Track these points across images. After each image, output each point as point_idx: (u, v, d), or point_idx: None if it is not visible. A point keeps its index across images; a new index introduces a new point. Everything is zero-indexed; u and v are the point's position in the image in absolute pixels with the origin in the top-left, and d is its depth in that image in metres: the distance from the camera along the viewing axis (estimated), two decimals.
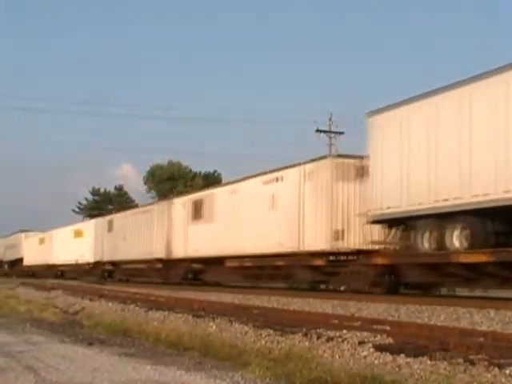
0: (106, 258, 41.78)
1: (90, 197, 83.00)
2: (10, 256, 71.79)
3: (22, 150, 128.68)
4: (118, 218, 41.72)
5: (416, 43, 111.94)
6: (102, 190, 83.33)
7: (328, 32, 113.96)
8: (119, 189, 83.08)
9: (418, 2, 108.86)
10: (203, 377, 6.94)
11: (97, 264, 43.38)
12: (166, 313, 13.97)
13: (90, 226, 47.37)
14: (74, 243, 48.63)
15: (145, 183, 74.80)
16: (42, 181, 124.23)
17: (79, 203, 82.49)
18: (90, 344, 9.81)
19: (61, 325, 13.20)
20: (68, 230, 52.26)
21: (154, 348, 9.53)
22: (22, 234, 67.60)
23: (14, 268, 68.87)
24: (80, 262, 46.37)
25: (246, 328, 10.65)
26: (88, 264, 44.82)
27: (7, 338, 10.65)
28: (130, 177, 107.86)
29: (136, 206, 60.22)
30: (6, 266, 74.51)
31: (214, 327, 11.29)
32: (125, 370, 7.33)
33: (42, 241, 59.40)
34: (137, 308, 15.84)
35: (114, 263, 41.13)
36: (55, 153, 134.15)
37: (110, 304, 17.71)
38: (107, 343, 10.07)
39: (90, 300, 19.64)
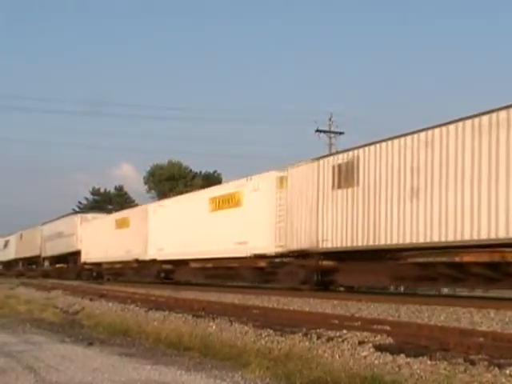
0: (334, 242, 19.37)
1: (90, 197, 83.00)
2: (54, 249, 49.05)
3: (22, 150, 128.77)
4: (373, 152, 18.02)
5: (416, 43, 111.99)
6: (102, 190, 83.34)
7: (328, 32, 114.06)
8: (119, 189, 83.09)
9: (419, 2, 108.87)
10: (203, 377, 6.94)
11: (289, 257, 21.64)
12: (166, 313, 13.97)
13: (262, 183, 23.14)
14: (213, 221, 26.15)
15: (145, 183, 74.74)
16: (41, 181, 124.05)
17: (79, 203, 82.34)
18: (90, 344, 9.82)
19: (61, 325, 13.22)
20: (194, 199, 29.34)
21: (154, 348, 9.54)
22: (77, 217, 46.49)
23: (59, 266, 48.31)
24: (236, 254, 23.86)
25: (246, 328, 10.65)
26: (260, 257, 22.72)
27: (7, 338, 10.66)
28: (130, 177, 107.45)
29: (136, 205, 57.56)
30: (45, 264, 52.84)
31: (214, 327, 11.28)
32: (125, 370, 7.34)
33: (122, 223, 36.92)
34: (137, 308, 15.83)
35: (347, 253, 19.20)
36: (55, 153, 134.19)
37: (110, 304, 17.70)
38: (107, 343, 10.08)
39: (90, 300, 19.63)
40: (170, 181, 69.17)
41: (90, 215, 46.36)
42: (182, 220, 28.73)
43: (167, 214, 30.99)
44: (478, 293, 17.70)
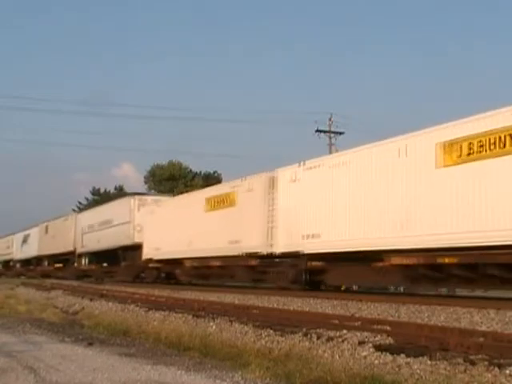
0: None
1: (90, 197, 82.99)
2: (97, 243, 38.27)
3: (22, 149, 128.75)
4: None
5: (416, 42, 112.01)
6: (102, 190, 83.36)
7: (328, 32, 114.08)
8: (119, 189, 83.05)
9: (419, 3, 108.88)
10: (203, 377, 6.94)
11: None
12: (166, 313, 13.97)
13: None
14: (450, 182, 14.69)
15: (145, 183, 74.74)
16: (41, 181, 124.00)
17: (79, 203, 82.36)
18: (90, 344, 9.82)
19: (61, 325, 13.22)
20: (391, 148, 16.69)
21: (154, 348, 9.53)
22: (133, 199, 34.60)
23: (101, 265, 38.73)
24: None
25: (246, 328, 10.65)
26: None
27: (7, 338, 10.66)
28: (130, 177, 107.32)
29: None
30: (82, 262, 42.67)
31: (213, 327, 11.28)
32: (125, 370, 7.34)
33: (220, 202, 25.37)
34: (137, 308, 15.83)
35: None
36: (55, 153, 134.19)
37: (109, 304, 17.69)
38: (107, 343, 10.08)
39: (90, 300, 19.62)
40: (170, 181, 69.17)
41: (149, 198, 35.73)
42: (366, 186, 17.36)
43: (325, 178, 19.18)
44: (478, 293, 17.69)
